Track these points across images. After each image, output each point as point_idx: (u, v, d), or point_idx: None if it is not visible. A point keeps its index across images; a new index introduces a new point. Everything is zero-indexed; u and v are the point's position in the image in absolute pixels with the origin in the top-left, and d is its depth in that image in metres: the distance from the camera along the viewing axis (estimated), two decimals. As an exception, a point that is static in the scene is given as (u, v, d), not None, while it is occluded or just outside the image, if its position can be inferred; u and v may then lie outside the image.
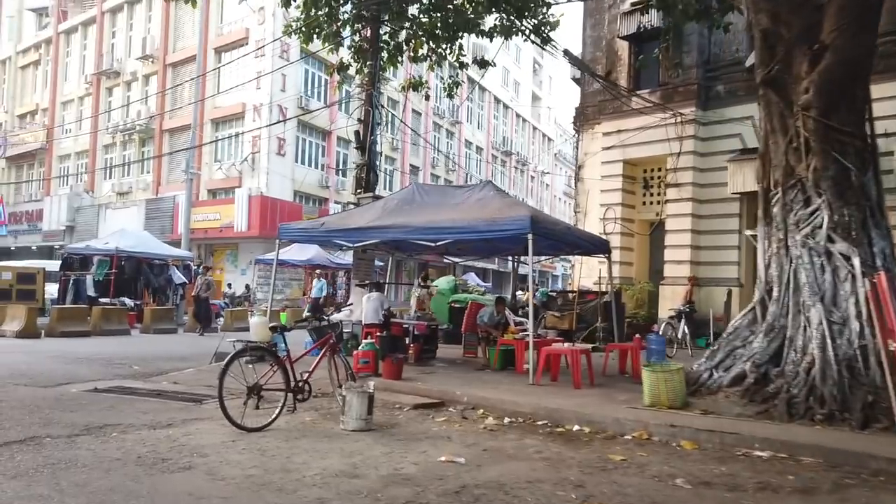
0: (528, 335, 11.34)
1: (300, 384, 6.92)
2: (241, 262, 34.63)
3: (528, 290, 21.64)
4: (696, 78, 17.68)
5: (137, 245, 21.80)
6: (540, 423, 7.28)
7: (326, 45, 15.69)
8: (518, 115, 60.82)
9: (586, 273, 19.70)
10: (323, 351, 7.33)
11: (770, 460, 5.78)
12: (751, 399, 7.33)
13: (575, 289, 20.20)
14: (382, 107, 15.53)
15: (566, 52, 15.79)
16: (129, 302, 21.22)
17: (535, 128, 65.05)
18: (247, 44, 32.88)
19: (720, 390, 7.78)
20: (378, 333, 11.19)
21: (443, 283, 17.23)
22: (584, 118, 20.79)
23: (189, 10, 36.26)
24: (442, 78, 48.83)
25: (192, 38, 35.21)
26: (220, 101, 34.12)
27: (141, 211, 35.92)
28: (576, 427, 7.03)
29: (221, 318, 21.83)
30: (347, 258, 27.52)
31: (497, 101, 56.42)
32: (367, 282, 13.31)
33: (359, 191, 14.84)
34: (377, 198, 14.62)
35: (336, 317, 13.34)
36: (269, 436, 6.21)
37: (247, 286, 31.60)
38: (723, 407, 7.38)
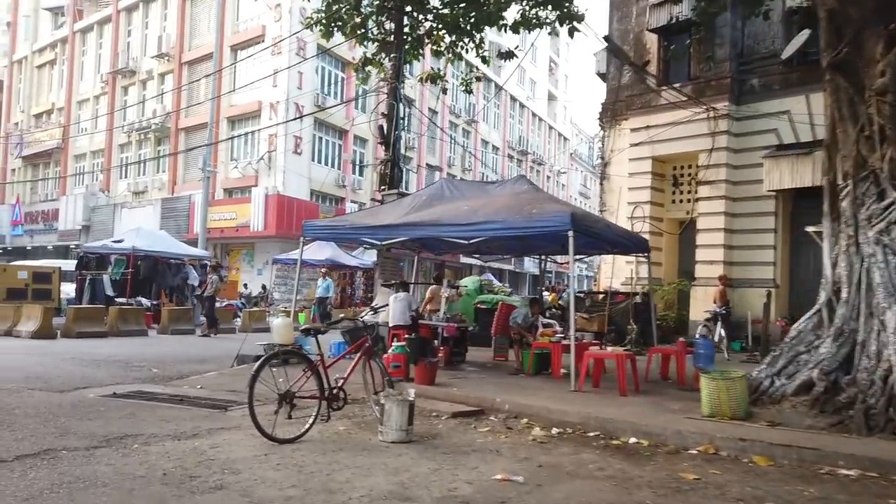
0: (564, 338, 10.83)
1: (335, 391, 6.38)
2: (257, 262, 34.23)
3: (560, 291, 21.15)
4: (729, 71, 17.03)
5: (154, 244, 21.40)
6: (591, 434, 6.71)
7: (349, 38, 15.28)
8: (534, 115, 60.22)
9: (613, 273, 19.14)
10: (358, 355, 6.78)
11: (860, 480, 5.18)
12: (821, 409, 6.74)
13: (601, 289, 19.63)
14: (407, 101, 14.99)
15: (606, 39, 15.21)
16: (145, 302, 20.80)
17: (550, 127, 64.41)
18: (263, 41, 32.48)
19: (784, 399, 7.18)
20: (406, 335, 10.66)
21: (468, 283, 16.69)
22: (610, 114, 20.16)
23: (205, 7, 36.15)
24: (458, 76, 48.36)
25: (208, 36, 34.88)
26: (236, 100, 33.75)
27: (157, 210, 35.60)
28: (632, 439, 6.46)
29: (239, 319, 21.38)
30: (366, 258, 27.11)
31: (513, 99, 55.83)
32: (392, 281, 12.79)
33: (383, 187, 14.33)
34: (402, 194, 14.10)
35: (361, 318, 12.85)
36: (303, 448, 5.68)
37: (263, 286, 31.20)
38: (790, 418, 6.78)
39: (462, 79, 17.64)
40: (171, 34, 36.98)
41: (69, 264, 24.32)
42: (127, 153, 40.31)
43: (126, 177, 39.97)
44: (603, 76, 21.96)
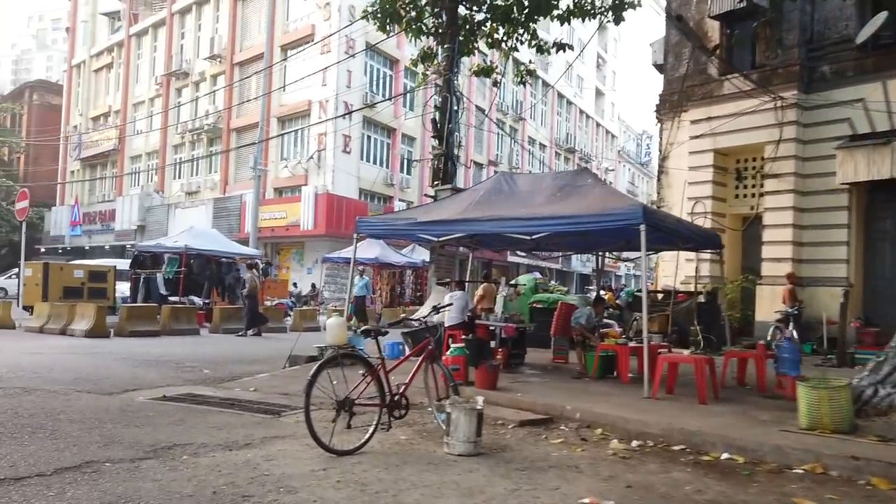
0: (632, 340, 10.12)
1: (396, 398, 5.83)
2: (306, 261, 34.13)
3: (617, 290, 20.33)
4: (798, 58, 16.00)
5: (206, 243, 21.30)
6: (676, 448, 6.03)
7: (403, 31, 14.85)
8: (581, 111, 59.09)
9: (670, 272, 18.25)
10: (421, 359, 6.22)
11: None
12: (940, 423, 5.93)
13: (658, 288, 18.76)
14: (459, 94, 14.45)
15: (679, 18, 14.42)
16: (197, 301, 20.70)
17: (598, 124, 63.16)
18: (313, 40, 32.34)
19: (892, 411, 6.39)
20: (463, 336, 10.09)
21: (523, 281, 16.04)
22: (669, 106, 19.25)
23: (255, 8, 36.21)
24: (505, 73, 47.65)
25: (259, 37, 34.94)
26: (286, 99, 33.73)
27: (209, 210, 35.80)
28: (724, 455, 5.75)
29: (290, 318, 21.11)
30: (414, 256, 26.64)
31: (560, 96, 54.83)
32: (447, 279, 12.26)
33: (436, 182, 13.80)
34: (456, 190, 13.56)
35: (414, 317, 12.32)
36: (364, 462, 5.15)
37: (313, 285, 31.04)
38: (903, 432, 6.00)
39: (516, 72, 16.99)
40: (222, 36, 37.17)
41: (125, 264, 24.46)
42: (180, 154, 40.72)
43: (179, 177, 40.40)
44: (660, 67, 21.06)
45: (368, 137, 34.81)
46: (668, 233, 9.36)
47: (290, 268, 34.59)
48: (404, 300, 25.67)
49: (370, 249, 24.04)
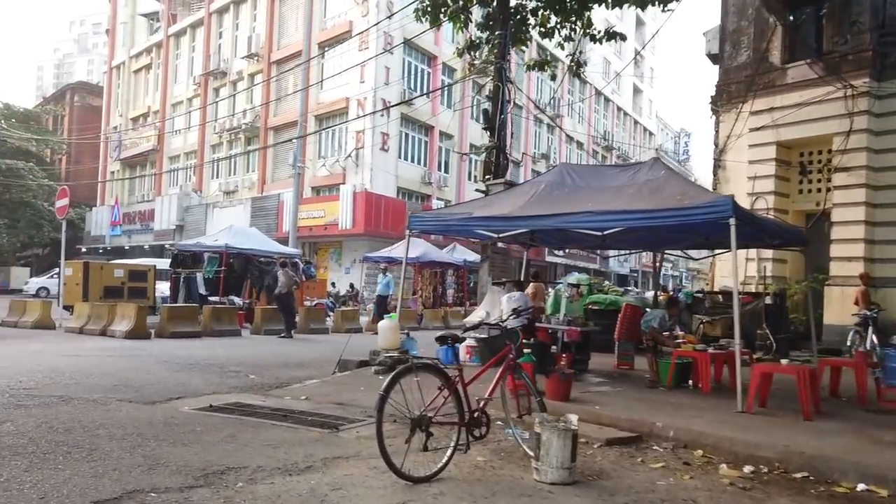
0: (710, 346, 9.23)
1: (476, 415, 5.06)
2: (344, 261, 33.60)
3: (676, 290, 19.33)
4: (870, 44, 14.87)
5: (246, 242, 20.78)
6: (798, 475, 5.17)
7: (452, 22, 14.14)
8: (619, 109, 57.82)
9: (728, 272, 17.24)
10: (501, 369, 5.43)
11: None
12: None
13: (714, 289, 17.76)
14: (511, 83, 13.62)
15: None
16: (238, 301, 20.20)
17: (636, 122, 61.79)
18: (350, 37, 31.81)
19: None
20: (524, 340, 9.27)
21: (574, 281, 15.18)
22: (726, 96, 18.19)
23: (293, 6, 35.81)
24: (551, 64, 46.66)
25: (296, 34, 34.54)
26: (324, 97, 33.25)
27: (247, 209, 35.48)
28: (860, 486, 4.89)
29: (331, 319, 20.50)
30: (456, 255, 25.87)
31: (598, 93, 53.61)
32: (503, 279, 11.47)
33: (487, 177, 12.99)
34: (509, 184, 12.75)
35: (469, 320, 11.56)
36: (447, 492, 4.39)
37: (351, 285, 30.45)
38: None
39: (570, 62, 16.11)
40: (260, 34, 36.86)
41: (164, 263, 24.13)
42: (218, 153, 40.55)
43: (217, 177, 40.24)
44: (714, 57, 20.01)
45: (406, 135, 34.17)
46: (757, 228, 8.46)
47: (327, 267, 34.10)
48: (446, 300, 24.91)
49: (414, 248, 23.34)
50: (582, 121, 51.86)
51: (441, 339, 5.73)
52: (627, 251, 15.39)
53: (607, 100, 55.39)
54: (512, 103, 13.60)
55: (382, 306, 19.69)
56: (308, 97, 30.43)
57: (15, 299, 17.05)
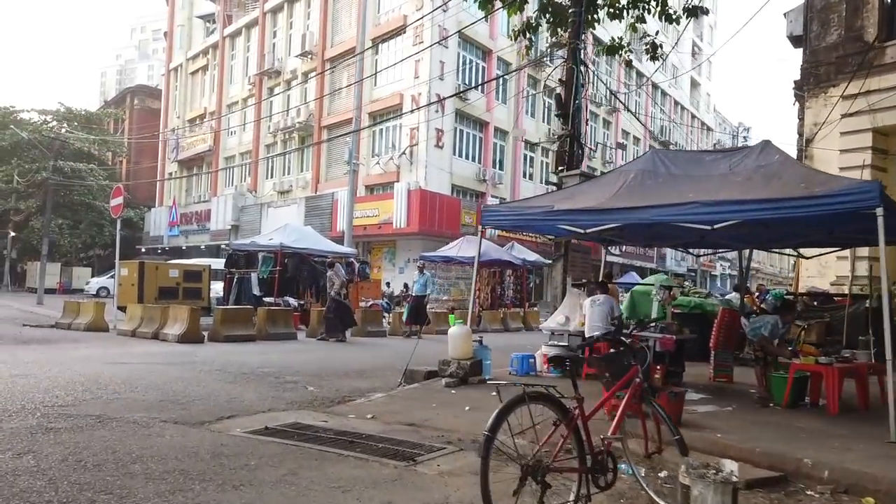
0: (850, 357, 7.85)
1: (600, 457, 3.90)
2: (398, 261, 32.69)
3: (762, 291, 17.70)
4: (984, 17, 13.17)
5: (300, 240, 19.95)
6: None
7: (509, 12, 13.00)
8: (676, 103, 55.64)
9: (815, 271, 15.67)
10: (626, 398, 4.25)
11: None
12: None
13: (798, 291, 16.16)
14: (587, 66, 12.39)
15: None
16: (293, 302, 19.41)
17: (693, 116, 59.43)
18: (404, 32, 30.88)
19: None
20: (612, 350, 8.06)
21: (652, 281, 13.81)
22: (812, 80, 16.52)
23: (346, 2, 35.08)
24: (604, 61, 44.96)
25: (349, 31, 33.82)
26: (378, 94, 32.40)
27: (301, 208, 34.90)
28: None
29: (388, 321, 19.52)
30: (515, 253, 24.65)
31: (655, 87, 51.63)
32: (583, 280, 10.26)
33: (560, 168, 11.78)
34: (585, 175, 11.53)
35: (546, 325, 10.38)
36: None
37: (405, 285, 29.50)
38: None
39: (645, 44, 14.74)
40: (314, 32, 36.27)
41: (219, 263, 23.57)
42: (273, 153, 40.19)
43: (272, 176, 39.89)
44: (797, 39, 18.34)
45: (460, 131, 33.06)
46: (903, 219, 7.06)
47: (381, 267, 33.24)
48: (504, 301, 23.73)
49: (473, 246, 22.25)
50: (639, 115, 49.98)
51: (556, 362, 4.57)
52: (721, 250, 13.60)
53: (664, 93, 53.34)
54: (587, 88, 12.38)
55: (420, 308, 18.27)
56: (362, 92, 29.56)
57: (69, 300, 16.56)
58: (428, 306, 22.35)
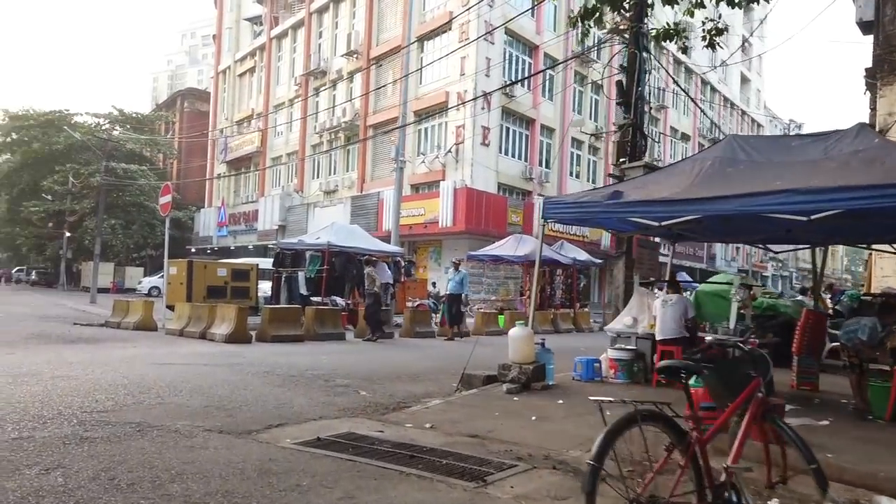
0: None
1: (723, 490, 3.19)
2: (444, 260, 32.08)
3: (836, 292, 16.59)
4: None
5: (348, 239, 19.49)
6: None
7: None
8: (726, 99, 53.82)
9: (891, 270, 14.54)
10: (748, 416, 3.53)
11: None
12: None
13: (872, 291, 15.03)
14: (649, 51, 11.57)
15: None
16: (340, 301, 18.99)
17: (743, 112, 57.45)
18: (450, 28, 30.33)
19: None
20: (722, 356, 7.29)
21: (721, 280, 12.90)
22: (887, 67, 15.36)
23: (392, 0, 34.67)
24: (654, 54, 43.69)
25: (395, 29, 33.39)
26: (423, 92, 31.87)
27: (346, 208, 34.60)
28: None
29: (436, 322, 18.93)
30: (564, 252, 23.84)
31: (704, 83, 49.99)
32: (651, 279, 9.49)
33: (622, 160, 11.02)
34: (650, 167, 10.74)
35: (611, 327, 9.64)
36: None
37: (451, 285, 28.96)
38: None
39: (705, 31, 13.82)
40: (359, 31, 35.95)
41: (267, 263, 23.32)
42: (319, 153, 40.06)
43: (318, 176, 39.74)
44: (867, 25, 17.17)
45: (506, 129, 32.31)
46: None
47: (426, 267, 32.69)
48: (554, 302, 22.92)
49: (522, 245, 21.57)
50: (687, 112, 48.48)
51: (666, 372, 3.87)
52: (803, 246, 12.33)
53: (713, 89, 51.66)
54: (649, 74, 11.57)
55: (456, 307, 17.06)
56: (408, 88, 29.04)
57: (118, 299, 16.39)
58: (475, 307, 21.73)
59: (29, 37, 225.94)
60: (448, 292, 17.37)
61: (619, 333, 9.13)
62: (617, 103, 11.34)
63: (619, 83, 11.26)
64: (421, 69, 30.98)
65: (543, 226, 8.65)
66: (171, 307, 16.45)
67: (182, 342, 12.63)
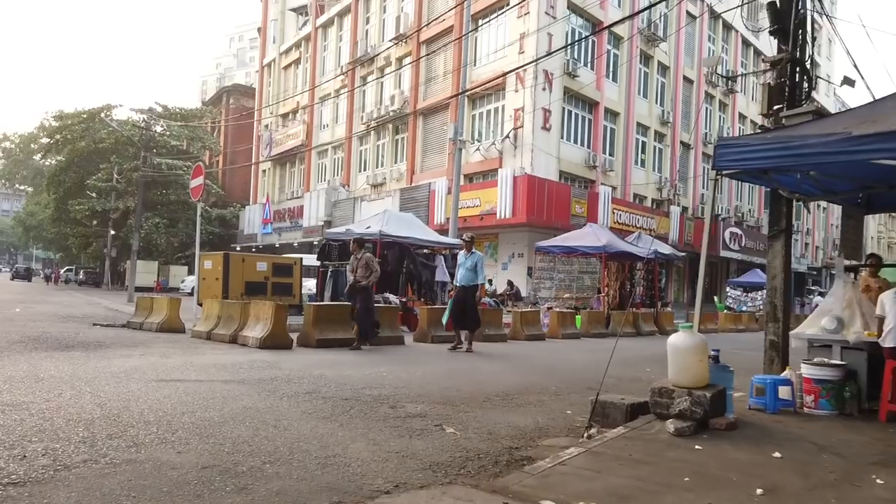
0: None
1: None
2: (501, 256, 29.31)
3: None
4: None
5: (402, 228, 16.83)
6: None
7: None
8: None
9: None
10: None
11: None
12: None
13: None
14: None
15: None
16: (394, 299, 16.39)
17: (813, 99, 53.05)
18: (508, 4, 27.52)
19: None
20: None
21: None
22: None
23: (443, -22, 32.06)
24: (714, 38, 40.14)
25: (446, 8, 30.71)
26: (478, 74, 29.09)
27: (395, 201, 32.04)
28: None
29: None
30: (642, 243, 20.81)
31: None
32: (857, 262, 6.57)
33: (778, 107, 8.07)
34: (818, 115, 7.76)
35: (801, 332, 6.71)
36: None
37: (510, 282, 26.13)
38: None
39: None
40: (408, 13, 33.42)
41: (312, 259, 20.86)
42: (365, 145, 37.68)
43: (364, 169, 37.37)
44: None
45: (568, 112, 29.33)
46: None
47: (482, 262, 29.93)
48: (634, 300, 19.90)
49: (598, 235, 18.64)
50: (755, 98, 44.64)
51: None
52: None
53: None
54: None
55: (470, 304, 11.69)
56: (459, 78, 26.33)
57: (142, 296, 13.98)
58: (544, 305, 18.87)
59: (77, 45, 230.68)
60: (458, 283, 11.89)
61: (813, 341, 6.22)
62: (770, 33, 8.42)
63: (771, 4, 8.32)
64: (476, 62, 28.25)
65: (717, 179, 5.74)
66: (202, 304, 14.05)
67: (207, 348, 10.07)
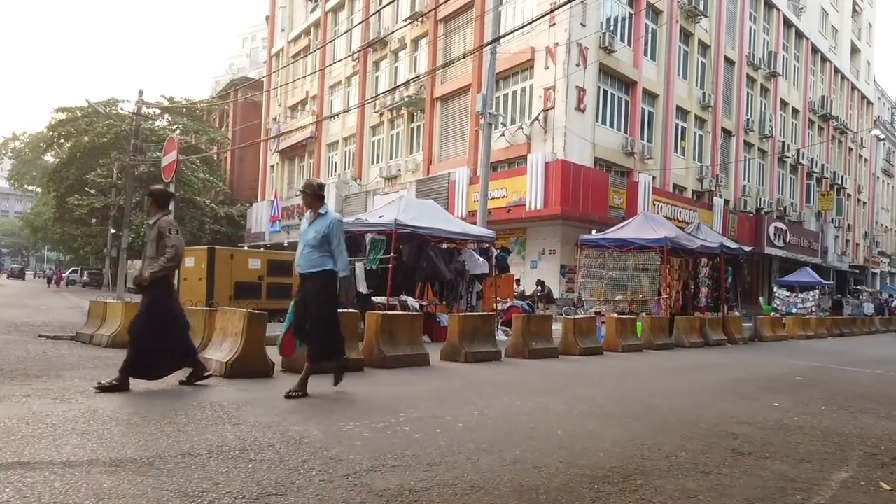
0: None
1: None
2: (529, 253, 26.08)
3: None
4: None
5: (421, 217, 13.67)
6: None
7: None
8: (836, 71, 46.12)
9: None
10: None
11: None
12: None
13: None
14: None
15: None
16: (412, 302, 13.31)
17: (853, 86, 49.52)
18: (536, -29, 24.37)
19: None
20: None
21: None
22: None
23: (462, -52, 28.91)
24: (756, 17, 36.75)
25: (466, -20, 27.63)
26: (503, 51, 25.88)
27: (411, 195, 28.77)
28: None
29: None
30: (703, 235, 17.56)
31: (814, 51, 42.58)
32: None
33: None
34: None
35: None
36: None
37: (540, 282, 22.89)
38: None
39: None
40: (424, -11, 30.39)
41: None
42: (379, 135, 34.60)
43: (377, 161, 34.31)
44: None
45: (604, 92, 26.09)
46: None
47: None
48: (698, 303, 16.61)
49: (658, 227, 15.41)
50: (798, 84, 41.14)
51: None
52: None
53: (824, 59, 44.10)
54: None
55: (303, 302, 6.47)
56: (482, 55, 23.20)
57: (94, 300, 10.88)
58: (591, 309, 15.65)
59: (92, 49, 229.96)
60: (297, 270, 6.66)
61: None
62: None
63: None
64: (500, 38, 24.95)
65: None
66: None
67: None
